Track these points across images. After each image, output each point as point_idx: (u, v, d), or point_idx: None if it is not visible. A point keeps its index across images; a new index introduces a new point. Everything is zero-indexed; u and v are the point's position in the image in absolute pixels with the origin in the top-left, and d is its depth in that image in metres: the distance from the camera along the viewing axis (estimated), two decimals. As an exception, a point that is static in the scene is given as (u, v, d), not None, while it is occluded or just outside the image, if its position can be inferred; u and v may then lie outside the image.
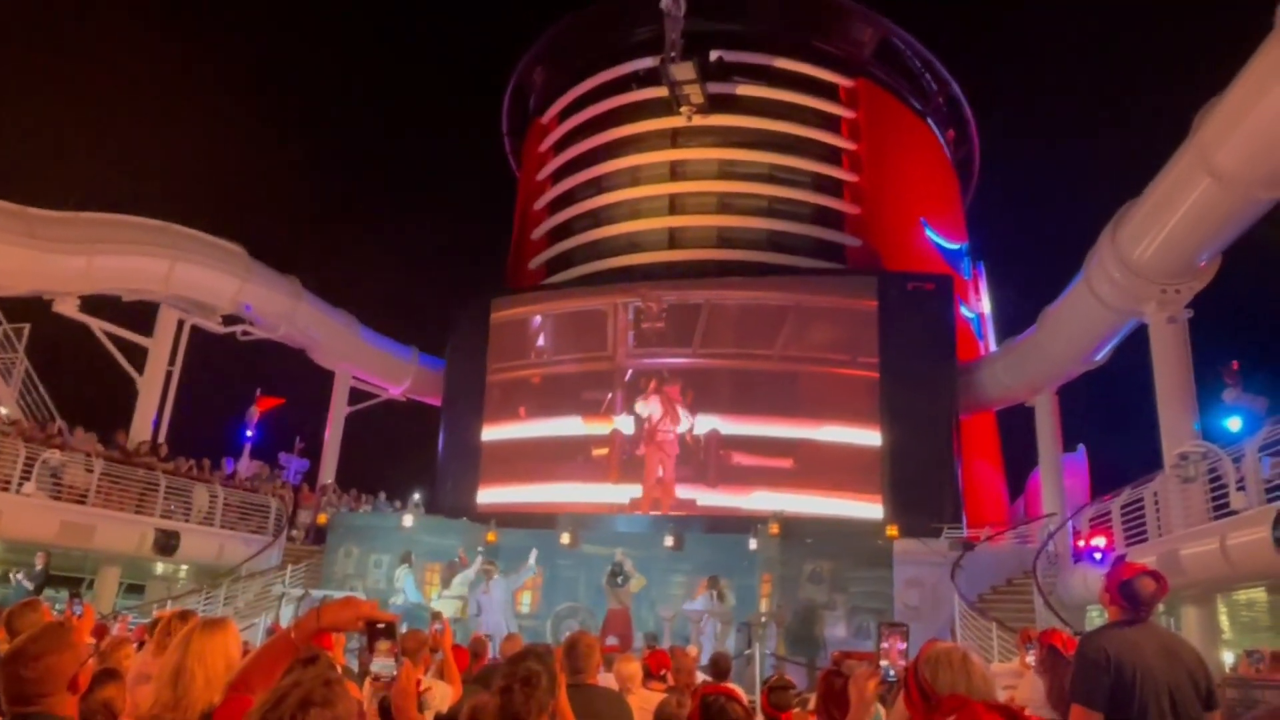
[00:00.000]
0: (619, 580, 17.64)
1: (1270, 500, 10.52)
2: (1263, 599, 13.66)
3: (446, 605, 17.83)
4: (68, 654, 2.47)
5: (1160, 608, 13.95)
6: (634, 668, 5.30)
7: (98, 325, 20.78)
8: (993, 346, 29.98)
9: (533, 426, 24.79)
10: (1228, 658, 13.22)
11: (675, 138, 28.26)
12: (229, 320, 23.36)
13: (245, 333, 24.07)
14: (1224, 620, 14.36)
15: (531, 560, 18.91)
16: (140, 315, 21.84)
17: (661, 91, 27.12)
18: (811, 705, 4.35)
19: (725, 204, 27.51)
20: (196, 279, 21.26)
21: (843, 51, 29.44)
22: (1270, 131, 12.04)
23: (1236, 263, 15.40)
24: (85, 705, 2.68)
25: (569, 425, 24.36)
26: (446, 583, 18.69)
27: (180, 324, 22.26)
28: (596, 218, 28.57)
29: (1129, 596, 3.72)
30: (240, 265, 22.08)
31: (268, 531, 20.40)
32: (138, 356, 21.60)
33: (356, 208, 59.83)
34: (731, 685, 6.44)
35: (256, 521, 20.34)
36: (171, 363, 22.10)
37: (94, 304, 20.61)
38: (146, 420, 21.24)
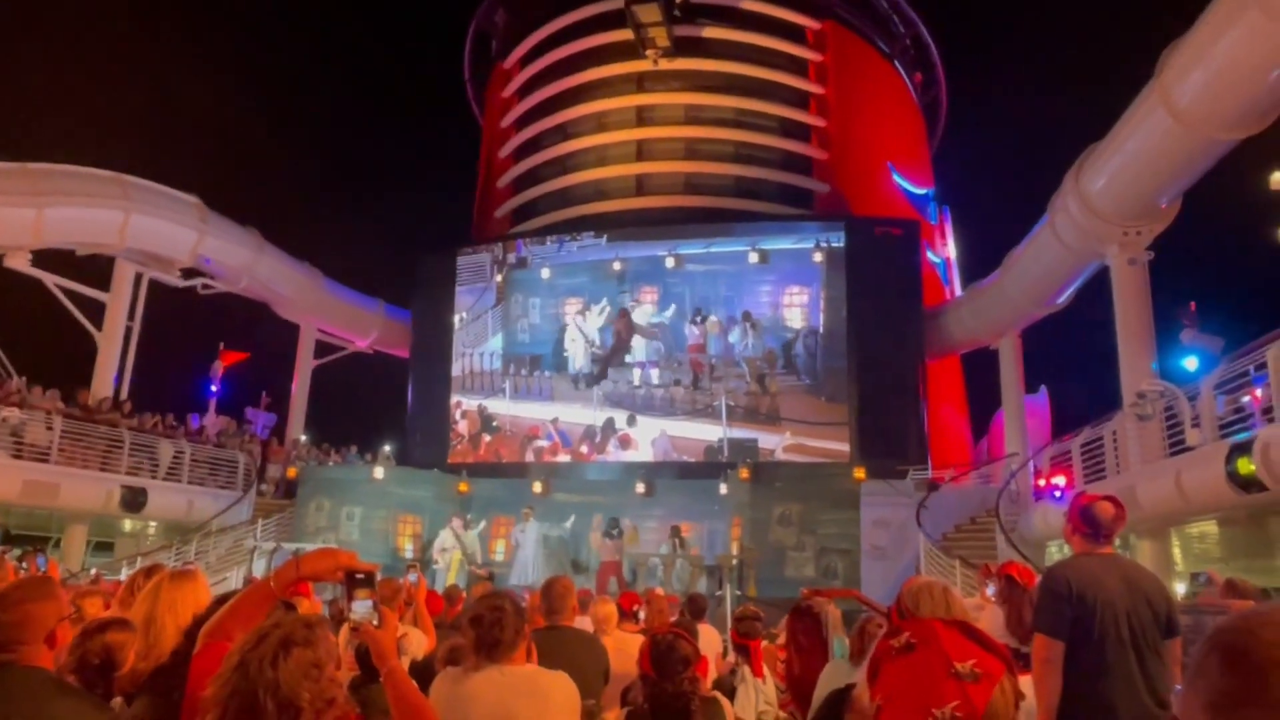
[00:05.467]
0: (615, 533, 18.08)
1: (1224, 436, 10.82)
2: (1214, 531, 14.14)
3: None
4: (49, 605, 2.44)
5: (1117, 542, 14.44)
6: (609, 609, 5.38)
7: (52, 280, 20.24)
8: (958, 291, 30.28)
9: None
10: (1180, 588, 13.71)
11: (641, 82, 27.83)
12: (188, 274, 22.87)
13: (206, 286, 23.60)
14: (1177, 552, 14.86)
15: (568, 524, 19.87)
16: (96, 270, 21.30)
17: (627, 35, 26.62)
18: (781, 640, 4.46)
19: (692, 150, 27.26)
20: (153, 231, 20.70)
21: (809, -8, 29.05)
22: (1228, 72, 12.11)
23: (1196, 205, 15.60)
24: (85, 648, 2.65)
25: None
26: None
27: (138, 278, 21.77)
28: (563, 165, 28.19)
29: (1089, 521, 3.84)
30: (197, 217, 21.53)
31: (237, 486, 20.28)
32: (95, 312, 21.12)
33: (317, 156, 58.47)
34: (705, 624, 6.58)
35: (225, 477, 20.20)
36: (131, 318, 21.65)
37: (47, 259, 20.04)
38: (107, 377, 20.86)
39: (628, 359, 23.78)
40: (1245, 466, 9.69)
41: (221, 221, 22.29)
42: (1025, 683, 3.51)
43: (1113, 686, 3.56)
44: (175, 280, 22.64)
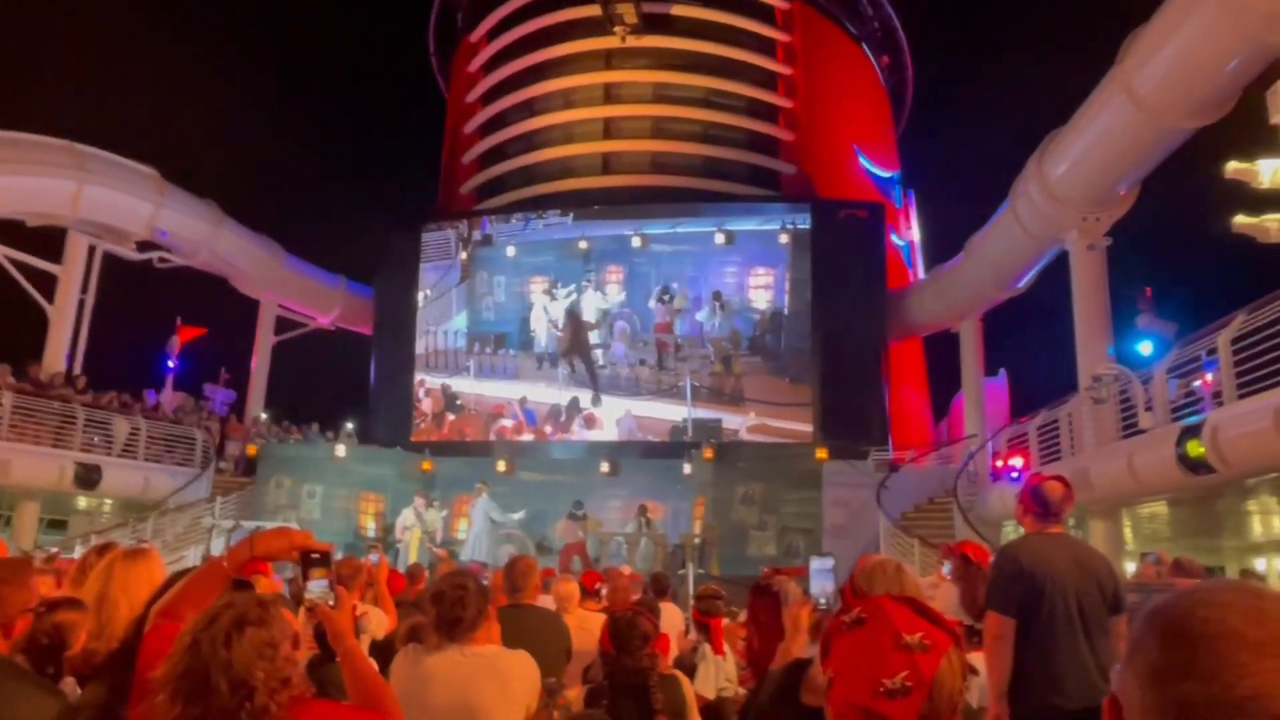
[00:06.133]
0: (579, 514, 18.13)
1: (1175, 420, 11.09)
2: (1164, 512, 14.52)
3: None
4: (18, 591, 2.38)
5: (1070, 521, 14.76)
6: (571, 588, 5.40)
7: (2, 252, 19.70)
8: (921, 274, 30.60)
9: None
10: (1130, 567, 14.08)
11: (609, 59, 27.61)
12: (144, 246, 22.35)
13: (163, 260, 23.10)
14: (1128, 532, 15.25)
15: (518, 515, 19.05)
16: (48, 241, 20.73)
17: (595, 10, 26.36)
18: (742, 618, 4.51)
19: (660, 129, 27.15)
20: (107, 202, 20.17)
21: (779, -28, 28.95)
22: (1187, 60, 12.29)
23: (1153, 193, 15.87)
24: (36, 626, 2.60)
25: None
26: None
27: (91, 250, 21.24)
28: (529, 142, 27.93)
29: (1039, 500, 3.92)
30: (153, 188, 21.03)
31: (194, 464, 19.96)
32: (47, 285, 20.59)
33: (278, 129, 57.25)
34: (668, 602, 6.62)
35: (182, 454, 19.86)
36: (84, 291, 21.15)
37: (-4, 229, 19.48)
38: (59, 351, 20.38)
39: (593, 341, 23.72)
40: (1195, 449, 9.94)
41: (179, 194, 21.80)
42: (977, 658, 3.59)
43: (1061, 661, 3.65)
44: (131, 253, 22.13)
